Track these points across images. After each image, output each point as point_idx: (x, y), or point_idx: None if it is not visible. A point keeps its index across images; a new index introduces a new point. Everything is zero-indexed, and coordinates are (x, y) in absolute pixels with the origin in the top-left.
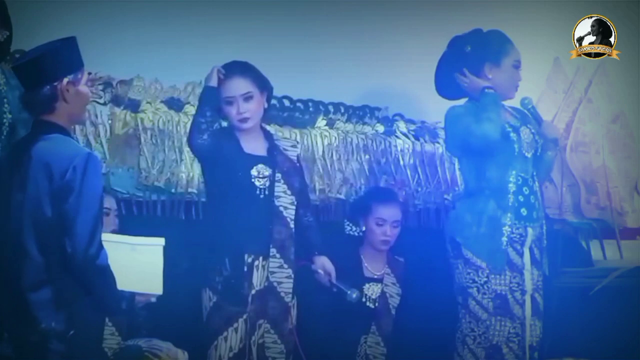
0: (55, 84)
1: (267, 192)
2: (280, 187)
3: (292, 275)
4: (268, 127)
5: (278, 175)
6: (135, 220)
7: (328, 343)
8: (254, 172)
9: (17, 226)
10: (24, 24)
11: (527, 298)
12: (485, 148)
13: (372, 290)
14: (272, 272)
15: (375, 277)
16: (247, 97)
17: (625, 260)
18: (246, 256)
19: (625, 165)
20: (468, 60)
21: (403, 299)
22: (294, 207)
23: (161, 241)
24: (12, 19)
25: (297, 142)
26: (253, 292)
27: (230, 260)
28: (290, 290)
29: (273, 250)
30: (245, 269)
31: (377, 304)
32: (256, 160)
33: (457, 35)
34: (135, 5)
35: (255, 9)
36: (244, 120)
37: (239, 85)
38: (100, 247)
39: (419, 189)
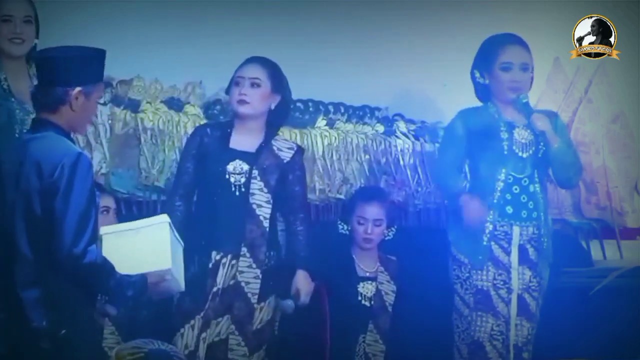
0: (69, 89)
1: (242, 189)
2: (257, 184)
3: (260, 276)
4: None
5: (255, 172)
6: (135, 219)
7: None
8: (229, 167)
9: (10, 224)
10: None
11: (514, 297)
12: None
13: (366, 289)
14: (241, 271)
15: (368, 275)
16: (254, 83)
17: (625, 260)
18: (214, 253)
19: (625, 165)
20: (474, 67)
21: (401, 296)
22: (269, 206)
23: (165, 218)
24: None
25: (296, 146)
26: (215, 289)
27: (198, 257)
28: (257, 291)
29: (244, 249)
30: (210, 265)
31: (373, 302)
32: (235, 155)
33: None
34: (135, 5)
35: (255, 9)
36: (242, 102)
37: (252, 70)
38: (88, 245)
39: (419, 189)
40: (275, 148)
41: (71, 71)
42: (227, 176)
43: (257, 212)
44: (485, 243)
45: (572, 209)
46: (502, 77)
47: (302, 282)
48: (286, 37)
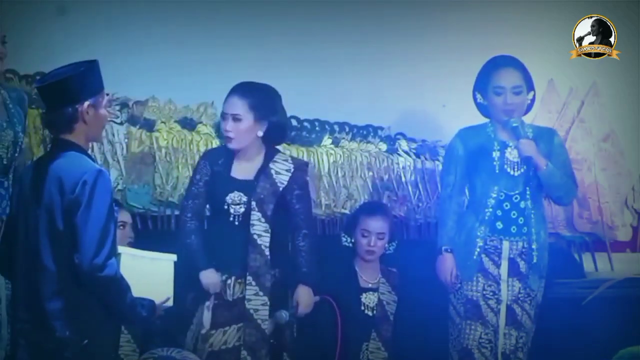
0: (77, 106)
1: (241, 219)
2: (255, 215)
3: (268, 302)
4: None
5: (253, 203)
6: (150, 233)
7: (330, 352)
8: (228, 199)
9: (34, 238)
10: (44, 46)
11: (503, 307)
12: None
13: (369, 299)
14: (249, 299)
15: (370, 286)
16: (236, 119)
17: (616, 271)
18: (219, 274)
19: (615, 182)
20: (474, 88)
21: (402, 306)
22: (268, 234)
23: (173, 257)
24: (34, 41)
25: (293, 167)
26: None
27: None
28: (267, 317)
29: (249, 278)
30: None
31: (375, 312)
32: (234, 186)
33: None
34: (150, 30)
35: (265, 34)
36: (228, 139)
37: (232, 105)
38: (108, 258)
39: (420, 204)
40: (273, 172)
41: (75, 89)
42: (226, 207)
43: (259, 241)
44: (475, 257)
45: (565, 223)
46: (495, 100)
47: (302, 296)
48: (294, 61)
